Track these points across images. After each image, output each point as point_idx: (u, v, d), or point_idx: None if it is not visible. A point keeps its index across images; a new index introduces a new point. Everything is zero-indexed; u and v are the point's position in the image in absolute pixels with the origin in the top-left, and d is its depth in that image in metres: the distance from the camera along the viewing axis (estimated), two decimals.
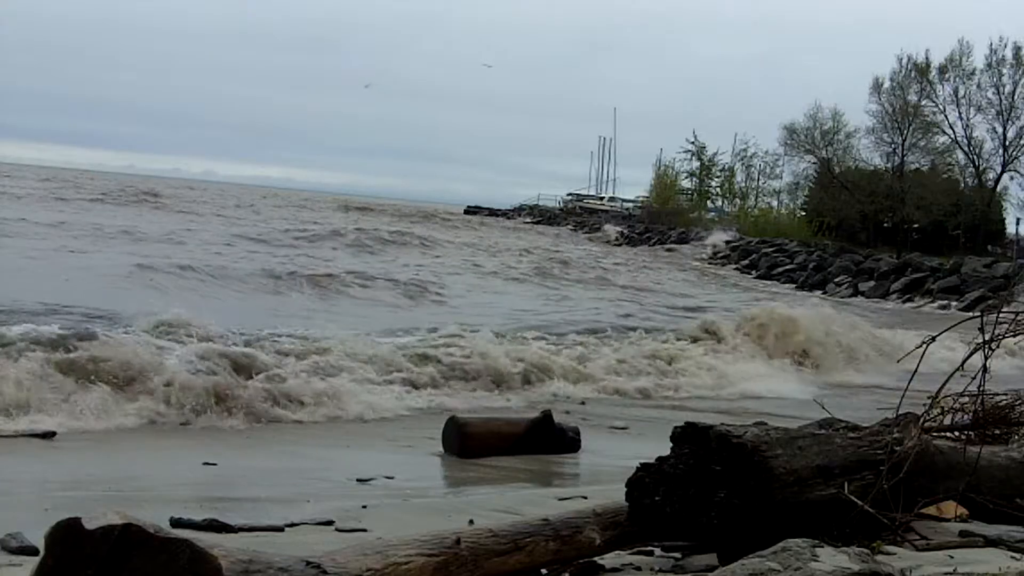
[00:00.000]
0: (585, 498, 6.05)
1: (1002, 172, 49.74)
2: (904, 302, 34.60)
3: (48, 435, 8.00)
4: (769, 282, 39.44)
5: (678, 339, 15.74)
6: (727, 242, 50.48)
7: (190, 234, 31.73)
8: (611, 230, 61.08)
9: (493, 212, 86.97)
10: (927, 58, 50.02)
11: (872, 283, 37.37)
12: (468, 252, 38.15)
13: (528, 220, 78.91)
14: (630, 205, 75.84)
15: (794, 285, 38.37)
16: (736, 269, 43.96)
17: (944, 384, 4.84)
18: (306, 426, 9.63)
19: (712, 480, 3.86)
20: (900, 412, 4.67)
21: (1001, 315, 4.90)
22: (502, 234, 54.50)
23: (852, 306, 31.98)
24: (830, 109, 53.27)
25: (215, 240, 30.94)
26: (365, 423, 10.00)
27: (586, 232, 63.71)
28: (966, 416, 5.07)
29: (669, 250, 50.76)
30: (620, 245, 55.61)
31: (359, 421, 10.04)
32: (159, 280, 19.01)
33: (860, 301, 34.46)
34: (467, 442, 8.41)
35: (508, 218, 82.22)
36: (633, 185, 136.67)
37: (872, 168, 52.80)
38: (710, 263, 46.54)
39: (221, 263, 23.43)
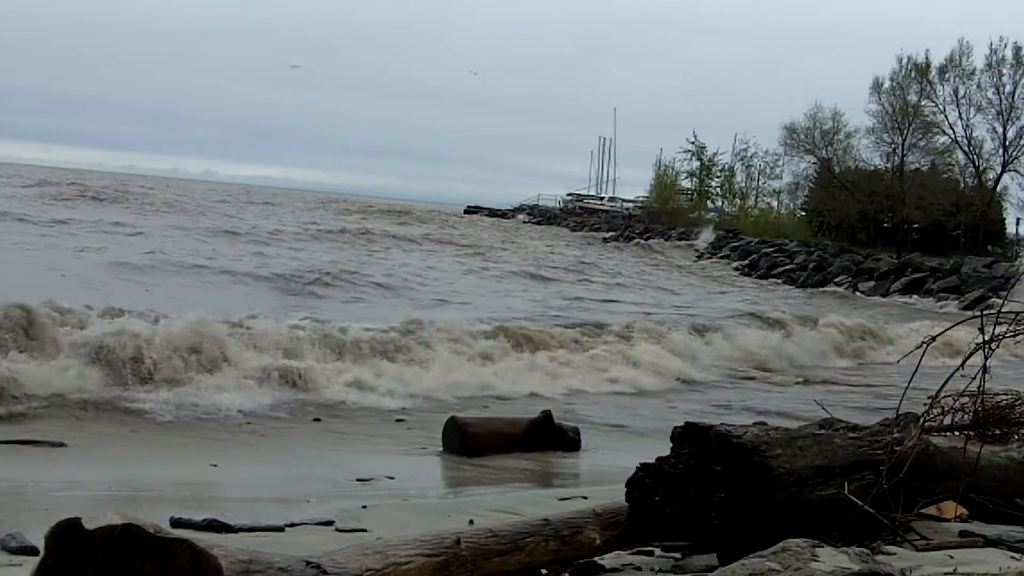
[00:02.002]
0: (585, 498, 6.05)
1: (1002, 172, 49.75)
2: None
3: (58, 445, 7.93)
4: (766, 281, 39.42)
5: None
6: (712, 242, 50.97)
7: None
8: (603, 233, 61.80)
9: (493, 212, 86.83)
10: (927, 58, 50.04)
11: (872, 283, 37.39)
12: (462, 252, 38.29)
13: (524, 219, 78.77)
14: (630, 205, 75.69)
15: (794, 285, 38.37)
16: (736, 270, 43.92)
17: (944, 384, 4.84)
18: (308, 426, 9.63)
19: (712, 480, 3.86)
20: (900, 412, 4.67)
21: (1001, 315, 4.89)
22: (498, 234, 54.48)
23: (853, 300, 32.23)
24: (830, 109, 53.30)
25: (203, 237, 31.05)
26: (363, 422, 10.01)
27: (585, 231, 63.77)
28: (966, 416, 5.07)
29: (655, 251, 50.91)
30: (617, 243, 55.86)
31: (359, 420, 10.07)
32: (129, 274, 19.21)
33: (861, 298, 34.61)
34: (468, 442, 8.42)
35: (506, 218, 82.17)
36: (633, 185, 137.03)
37: (872, 168, 52.81)
38: (710, 263, 46.67)
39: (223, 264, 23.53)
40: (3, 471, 6.88)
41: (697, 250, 50.38)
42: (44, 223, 30.16)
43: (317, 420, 9.88)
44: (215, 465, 7.56)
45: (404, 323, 13.69)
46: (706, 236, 52.43)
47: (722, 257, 47.81)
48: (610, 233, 61.39)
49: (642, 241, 55.64)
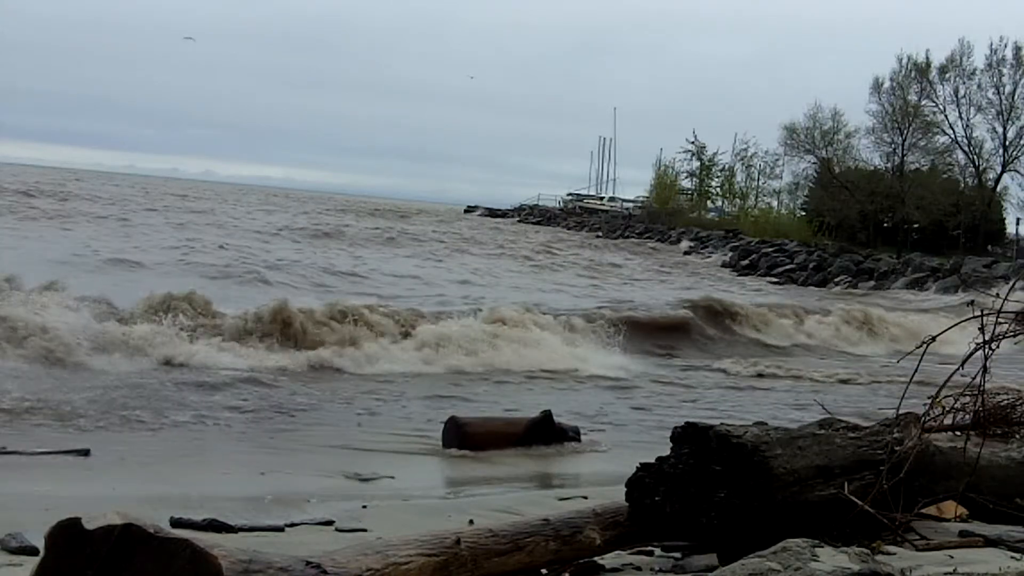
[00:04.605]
0: (585, 498, 6.05)
1: (1002, 172, 49.80)
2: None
3: (83, 452, 7.76)
4: (766, 280, 39.49)
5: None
6: (692, 244, 52.10)
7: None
8: (600, 233, 62.40)
9: (493, 212, 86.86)
10: (927, 58, 50.11)
11: (872, 283, 37.47)
12: (462, 253, 38.42)
13: (517, 219, 78.88)
14: (630, 205, 75.73)
15: (795, 284, 38.37)
16: (735, 270, 43.94)
17: (944, 384, 4.84)
18: (309, 426, 9.63)
19: (712, 480, 3.86)
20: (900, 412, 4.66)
21: (1001, 315, 4.88)
22: (497, 236, 54.61)
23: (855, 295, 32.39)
24: (830, 109, 53.35)
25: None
26: (366, 419, 10.00)
27: (585, 232, 63.84)
28: (966, 416, 5.07)
29: (652, 252, 51.26)
30: (615, 241, 56.25)
31: (360, 418, 10.07)
32: None
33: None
34: (467, 442, 8.42)
35: (506, 217, 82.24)
36: (633, 185, 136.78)
37: (872, 168, 52.82)
38: (703, 261, 47.02)
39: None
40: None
41: (685, 252, 50.86)
42: None
43: None
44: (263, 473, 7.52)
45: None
46: (685, 244, 53.17)
47: (722, 256, 47.87)
48: (606, 233, 61.56)
49: (640, 241, 56.02)
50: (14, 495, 6.23)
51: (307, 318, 14.31)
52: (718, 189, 71.32)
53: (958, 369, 4.63)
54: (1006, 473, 4.71)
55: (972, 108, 49.09)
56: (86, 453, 7.68)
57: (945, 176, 51.48)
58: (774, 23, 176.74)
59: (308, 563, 3.00)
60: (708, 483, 3.86)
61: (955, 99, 49.34)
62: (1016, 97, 48.03)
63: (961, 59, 49.09)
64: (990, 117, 48.94)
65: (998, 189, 50.58)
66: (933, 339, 4.72)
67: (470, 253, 38.56)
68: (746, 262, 44.66)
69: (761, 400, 12.79)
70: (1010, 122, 48.43)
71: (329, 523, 5.66)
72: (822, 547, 3.18)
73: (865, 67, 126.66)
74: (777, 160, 62.25)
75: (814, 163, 54.41)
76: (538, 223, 74.40)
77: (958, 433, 5.00)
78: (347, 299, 16.31)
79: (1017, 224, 49.31)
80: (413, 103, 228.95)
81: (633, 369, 14.75)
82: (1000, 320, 4.82)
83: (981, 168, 50.06)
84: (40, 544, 2.76)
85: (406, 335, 14.71)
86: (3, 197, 43.38)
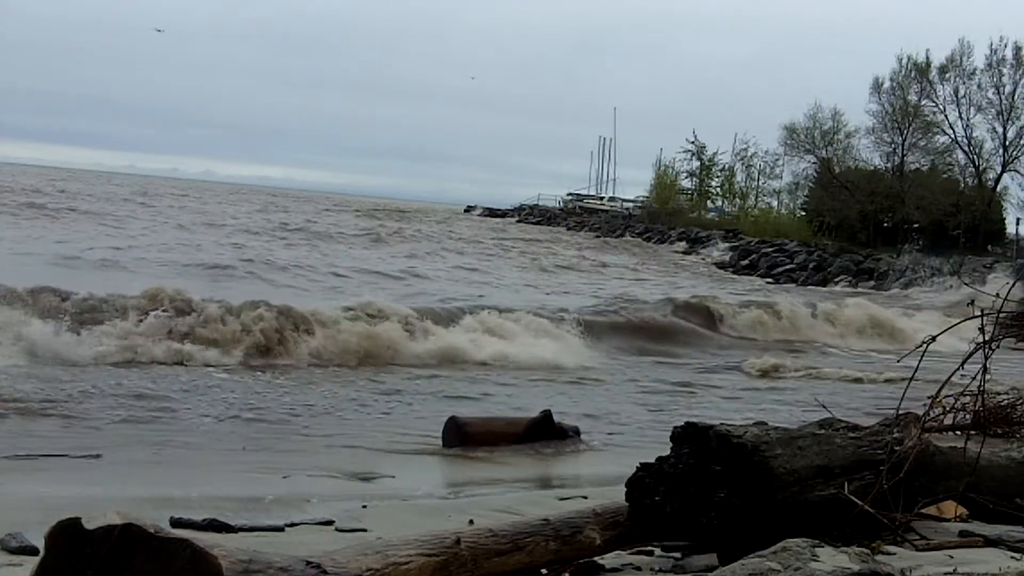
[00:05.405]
0: (585, 498, 6.05)
1: (1002, 172, 49.78)
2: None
3: (95, 456, 7.69)
4: (767, 280, 39.53)
5: None
6: (692, 244, 52.59)
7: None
8: (600, 232, 62.73)
9: (492, 212, 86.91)
10: (927, 58, 50.09)
11: (872, 283, 37.50)
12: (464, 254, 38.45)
13: (517, 219, 78.88)
14: (630, 205, 75.73)
15: (795, 284, 38.39)
16: (735, 272, 43.98)
17: (944, 384, 4.84)
18: (309, 427, 9.63)
19: (712, 480, 3.86)
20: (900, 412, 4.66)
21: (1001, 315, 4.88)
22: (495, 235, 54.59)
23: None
24: (830, 109, 53.30)
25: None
26: (367, 418, 10.01)
27: (585, 232, 63.86)
28: (967, 416, 5.07)
29: (653, 252, 51.46)
30: (615, 241, 56.37)
31: (361, 416, 10.07)
32: None
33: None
34: (467, 442, 8.42)
35: (500, 216, 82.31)
36: (633, 185, 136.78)
37: (872, 168, 52.79)
38: (702, 260, 47.13)
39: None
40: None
41: (684, 252, 51.03)
42: None
43: None
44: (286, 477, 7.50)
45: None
46: (685, 244, 53.30)
47: (722, 256, 47.89)
48: (605, 233, 61.59)
49: (640, 241, 56.13)
50: (14, 495, 6.23)
51: (306, 318, 14.31)
52: (718, 189, 71.32)
53: (958, 369, 4.63)
54: (1006, 473, 4.71)
55: (972, 108, 49.13)
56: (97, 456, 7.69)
57: (945, 176, 51.43)
58: (774, 23, 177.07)
59: (308, 563, 3.00)
60: (708, 483, 3.86)
61: (955, 99, 49.37)
62: (1016, 97, 48.03)
63: (961, 59, 49.12)
64: (990, 117, 48.98)
65: (998, 189, 50.58)
66: (933, 339, 4.72)
67: (470, 253, 38.61)
68: (746, 262, 44.67)
69: (764, 400, 12.79)
70: (1010, 122, 48.44)
71: (329, 523, 5.66)
72: (822, 547, 3.18)
73: (865, 67, 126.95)
74: (777, 160, 62.25)
75: (814, 163, 54.39)
76: (538, 223, 74.32)
77: (958, 433, 5.00)
78: (346, 299, 16.32)
79: (1017, 224, 49.30)
80: (413, 103, 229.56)
81: (632, 369, 14.76)
82: (1000, 320, 4.82)
83: (981, 168, 50.06)
84: (40, 544, 2.76)
85: (404, 335, 14.70)
86: (2, 197, 43.36)
